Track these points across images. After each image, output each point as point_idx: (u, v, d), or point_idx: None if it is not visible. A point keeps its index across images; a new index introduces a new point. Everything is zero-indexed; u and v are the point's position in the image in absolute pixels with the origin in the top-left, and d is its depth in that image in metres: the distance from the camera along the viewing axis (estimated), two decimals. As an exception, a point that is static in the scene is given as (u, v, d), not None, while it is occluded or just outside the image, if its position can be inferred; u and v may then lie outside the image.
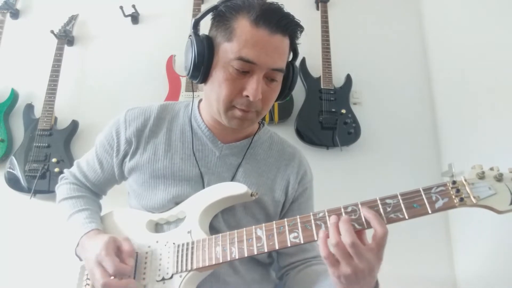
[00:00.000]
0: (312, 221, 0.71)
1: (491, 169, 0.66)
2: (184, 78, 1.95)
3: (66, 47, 1.99)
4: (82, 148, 1.85)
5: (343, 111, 1.92)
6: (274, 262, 0.99)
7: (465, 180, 0.66)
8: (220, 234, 0.79)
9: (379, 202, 0.68)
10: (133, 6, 2.09)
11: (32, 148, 1.78)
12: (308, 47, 1.98)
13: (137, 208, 0.93)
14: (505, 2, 1.59)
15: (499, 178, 0.65)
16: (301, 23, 0.82)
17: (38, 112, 1.89)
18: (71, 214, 0.93)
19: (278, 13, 0.78)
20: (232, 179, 0.91)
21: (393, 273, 1.47)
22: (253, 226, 0.76)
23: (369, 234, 0.68)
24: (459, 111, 1.86)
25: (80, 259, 0.90)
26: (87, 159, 1.02)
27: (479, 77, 1.70)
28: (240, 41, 0.77)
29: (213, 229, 0.86)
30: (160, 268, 0.81)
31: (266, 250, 0.73)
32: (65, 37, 1.99)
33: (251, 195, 0.83)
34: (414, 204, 0.66)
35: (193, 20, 0.86)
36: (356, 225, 0.67)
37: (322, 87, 1.95)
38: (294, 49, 0.87)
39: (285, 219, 0.74)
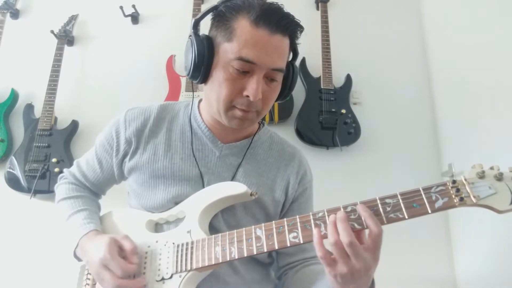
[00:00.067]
0: (312, 221, 0.71)
1: (491, 168, 0.66)
2: (184, 78, 1.95)
3: (66, 47, 1.99)
4: (82, 148, 1.85)
5: (343, 111, 1.92)
6: (274, 262, 0.99)
7: (465, 180, 0.66)
8: (220, 234, 0.79)
9: (378, 201, 0.68)
10: (133, 6, 2.09)
11: (32, 148, 1.78)
12: (308, 47, 1.98)
13: (137, 208, 0.93)
14: (505, 2, 1.59)
15: (499, 177, 0.64)
16: (301, 23, 0.82)
17: (38, 112, 1.89)
18: (70, 215, 0.93)
19: (278, 13, 0.78)
20: (232, 179, 0.91)
21: (393, 273, 1.47)
22: (253, 226, 0.76)
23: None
24: (459, 111, 1.86)
25: (79, 260, 0.90)
26: (86, 159, 1.02)
27: (479, 77, 1.70)
28: (240, 41, 0.77)
29: (213, 229, 0.86)
30: (159, 268, 0.81)
31: (265, 250, 0.73)
32: (65, 37, 1.99)
33: (251, 194, 0.83)
34: (414, 203, 0.66)
35: (193, 20, 0.86)
36: (355, 225, 0.67)
37: (322, 87, 1.95)
38: (294, 49, 0.87)
39: (285, 219, 0.74)
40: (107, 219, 0.95)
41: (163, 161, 0.90)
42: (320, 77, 1.98)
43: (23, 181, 1.74)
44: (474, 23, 1.78)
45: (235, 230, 0.78)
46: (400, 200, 0.67)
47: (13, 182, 1.75)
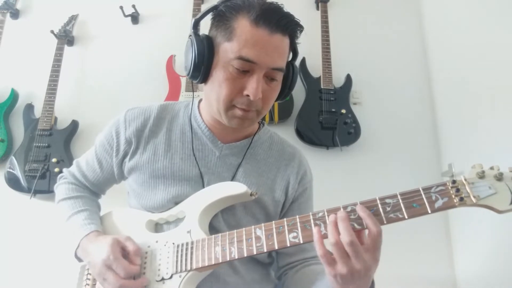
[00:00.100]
0: (312, 221, 0.71)
1: (491, 168, 0.66)
2: (184, 78, 1.95)
3: (66, 47, 1.99)
4: (82, 148, 1.85)
5: (343, 111, 1.92)
6: (274, 262, 0.99)
7: (465, 180, 0.65)
8: (220, 234, 0.79)
9: (378, 201, 0.68)
10: (133, 6, 2.09)
11: (32, 148, 1.78)
12: (308, 47, 1.98)
13: (137, 208, 0.93)
14: (505, 2, 1.59)
15: (499, 177, 0.64)
16: (301, 23, 0.82)
17: (38, 112, 1.89)
18: (70, 215, 0.93)
19: (278, 13, 0.78)
20: (232, 179, 0.91)
21: (393, 273, 1.47)
22: (253, 226, 0.76)
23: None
24: (459, 111, 1.86)
25: (80, 261, 0.90)
26: (86, 159, 1.01)
27: (479, 77, 1.70)
28: (240, 40, 0.77)
29: (213, 228, 0.86)
30: (159, 268, 0.81)
31: (265, 250, 0.73)
32: (65, 37, 1.99)
33: (251, 194, 0.83)
34: (413, 203, 0.66)
35: (193, 20, 0.86)
36: (355, 225, 0.67)
37: (322, 87, 1.95)
38: (294, 48, 0.87)
39: (285, 219, 0.74)
40: (107, 219, 0.95)
41: (163, 161, 0.90)
42: (320, 77, 1.98)
43: (23, 181, 1.74)
44: (474, 23, 1.78)
45: (235, 230, 0.78)
46: (400, 200, 0.67)
47: (13, 182, 1.75)
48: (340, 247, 0.64)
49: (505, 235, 1.47)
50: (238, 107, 0.81)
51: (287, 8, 0.81)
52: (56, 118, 1.90)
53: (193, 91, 1.04)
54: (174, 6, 2.17)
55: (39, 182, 1.72)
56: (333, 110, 1.91)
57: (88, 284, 0.87)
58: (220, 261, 0.76)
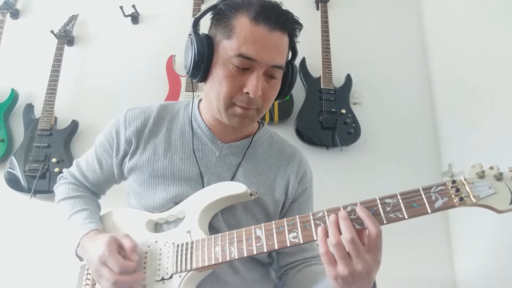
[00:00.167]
0: (312, 221, 0.71)
1: (491, 168, 0.66)
2: (184, 78, 1.94)
3: (66, 47, 1.99)
4: (82, 148, 1.85)
5: (343, 111, 1.92)
6: (274, 261, 0.99)
7: (465, 179, 0.65)
8: (220, 234, 0.79)
9: (378, 201, 0.68)
10: (133, 6, 2.09)
11: (32, 148, 1.78)
12: (308, 47, 1.98)
13: (137, 208, 0.93)
14: (505, 2, 1.59)
15: (499, 177, 0.64)
16: (300, 21, 0.83)
17: (38, 112, 1.89)
18: (70, 215, 0.93)
19: (277, 11, 0.79)
20: (232, 178, 0.91)
21: (393, 273, 1.47)
22: (252, 226, 0.76)
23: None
24: (459, 111, 1.86)
25: (81, 260, 0.90)
26: (86, 159, 1.01)
27: (479, 77, 1.70)
28: (239, 38, 0.77)
29: (213, 228, 0.86)
30: (159, 268, 0.81)
31: (265, 250, 0.73)
32: (65, 37, 1.99)
33: (251, 194, 0.83)
34: (413, 203, 0.66)
35: (193, 19, 0.86)
36: (355, 225, 0.67)
37: (322, 87, 1.95)
38: (293, 47, 0.87)
39: (285, 219, 0.74)
40: (107, 219, 0.95)
41: (163, 161, 0.90)
42: (320, 77, 1.98)
43: (23, 181, 1.74)
44: (474, 23, 1.78)
45: (235, 230, 0.77)
46: (400, 200, 0.67)
47: (13, 182, 1.75)
48: (341, 247, 0.64)
49: (505, 235, 1.47)
50: (238, 105, 0.81)
51: (287, 8, 0.81)
52: (56, 118, 1.90)
53: (193, 91, 1.04)
54: (174, 6, 2.17)
55: (39, 182, 1.72)
56: (333, 110, 1.91)
57: (88, 284, 0.87)
58: (220, 261, 0.76)
